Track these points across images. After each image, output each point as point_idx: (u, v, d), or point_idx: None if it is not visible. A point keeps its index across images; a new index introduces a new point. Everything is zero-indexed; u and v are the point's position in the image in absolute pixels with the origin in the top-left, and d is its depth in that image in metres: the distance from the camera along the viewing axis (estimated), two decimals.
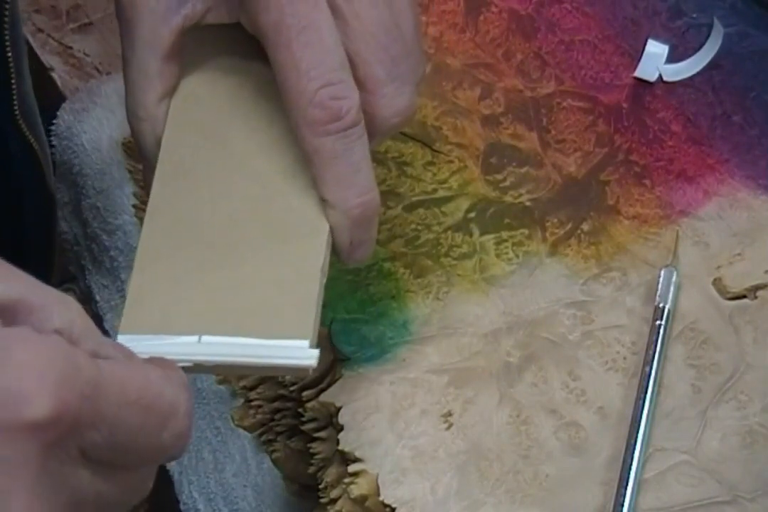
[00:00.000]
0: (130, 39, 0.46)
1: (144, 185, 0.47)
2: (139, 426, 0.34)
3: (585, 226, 0.56)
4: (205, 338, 0.42)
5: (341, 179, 0.44)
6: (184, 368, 0.39)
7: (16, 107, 0.64)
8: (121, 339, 0.41)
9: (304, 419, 0.51)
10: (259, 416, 0.54)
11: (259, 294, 0.43)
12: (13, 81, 0.63)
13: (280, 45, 0.43)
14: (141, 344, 0.41)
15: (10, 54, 0.62)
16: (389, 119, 0.45)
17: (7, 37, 0.62)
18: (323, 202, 0.44)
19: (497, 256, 0.55)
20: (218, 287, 0.43)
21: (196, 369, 0.41)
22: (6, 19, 0.62)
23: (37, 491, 0.31)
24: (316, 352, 0.42)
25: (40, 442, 0.31)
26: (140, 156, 0.48)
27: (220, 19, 0.46)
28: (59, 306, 0.34)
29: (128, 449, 0.34)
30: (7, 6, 0.62)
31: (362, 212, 0.45)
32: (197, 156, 0.46)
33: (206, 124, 0.47)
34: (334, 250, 0.46)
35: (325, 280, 0.44)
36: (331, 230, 0.45)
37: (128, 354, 0.36)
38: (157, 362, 0.37)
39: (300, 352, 0.42)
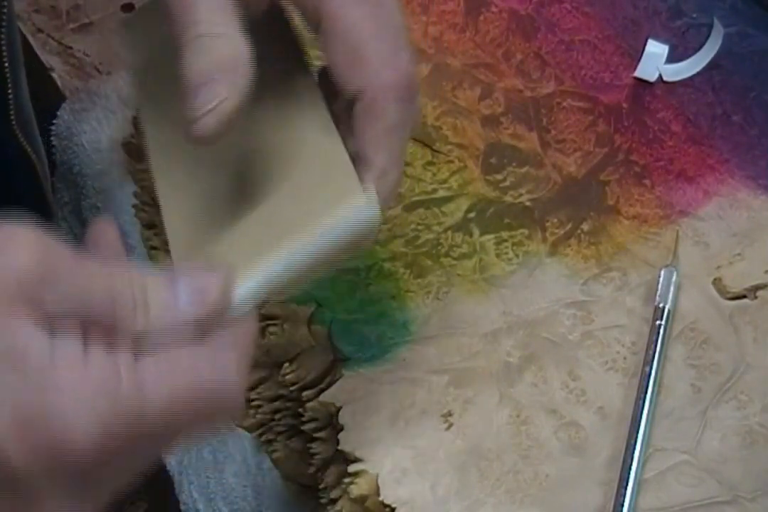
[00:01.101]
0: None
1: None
2: (186, 424, 0.35)
3: (585, 226, 0.56)
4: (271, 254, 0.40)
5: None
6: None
7: (12, 117, 0.64)
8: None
9: (304, 419, 0.51)
10: (259, 416, 0.54)
11: (298, 196, 0.42)
12: (9, 92, 0.63)
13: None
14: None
15: (7, 66, 0.62)
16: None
17: (4, 51, 0.62)
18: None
19: (497, 255, 0.55)
20: (252, 218, 0.42)
21: (280, 288, 0.40)
22: (2, 34, 0.62)
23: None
24: (373, 196, 0.40)
25: (79, 477, 0.33)
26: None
27: None
28: (99, 294, 0.34)
29: (170, 438, 0.36)
30: (4, 17, 0.61)
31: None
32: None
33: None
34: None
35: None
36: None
37: (166, 323, 0.36)
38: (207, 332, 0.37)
39: (358, 201, 0.40)
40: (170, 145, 0.45)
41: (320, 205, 0.41)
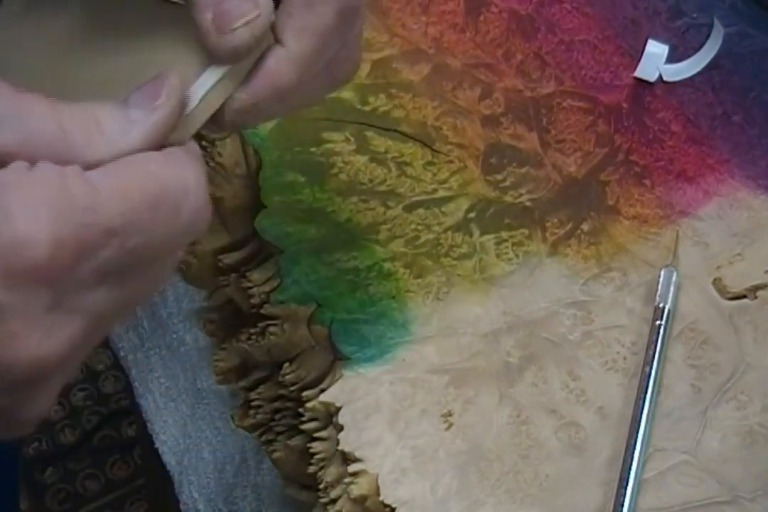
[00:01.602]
0: None
1: None
2: (150, 223, 0.34)
3: (585, 226, 0.56)
4: None
5: None
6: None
7: None
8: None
9: (304, 419, 0.51)
10: (259, 416, 0.54)
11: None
12: None
13: None
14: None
15: None
16: None
17: None
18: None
19: (497, 255, 0.55)
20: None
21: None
22: None
23: (48, 330, 0.32)
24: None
25: (46, 282, 0.32)
26: None
27: None
28: (47, 125, 0.33)
29: (145, 249, 0.34)
30: None
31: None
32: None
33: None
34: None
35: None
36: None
37: (121, 148, 0.35)
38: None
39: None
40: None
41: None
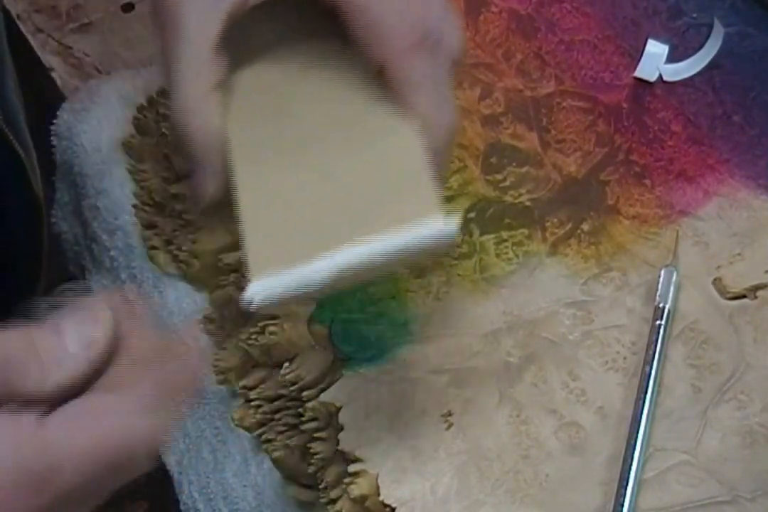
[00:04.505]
0: (176, 29, 0.44)
1: (191, 183, 0.46)
2: (93, 481, 0.34)
3: (585, 226, 0.56)
4: (339, 251, 0.40)
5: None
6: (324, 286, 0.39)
7: None
8: (256, 286, 0.40)
9: (304, 419, 0.51)
10: (259, 416, 0.54)
11: (371, 196, 0.42)
12: None
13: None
14: (279, 283, 0.40)
15: None
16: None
17: None
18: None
19: (497, 255, 0.55)
20: (326, 203, 0.43)
21: (339, 283, 0.40)
22: None
23: None
24: (453, 220, 0.40)
25: None
26: (186, 152, 0.47)
27: None
28: (21, 367, 0.34)
29: (79, 495, 0.34)
30: None
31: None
32: (268, 131, 0.46)
33: (268, 104, 0.47)
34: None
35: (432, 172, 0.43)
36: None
37: (55, 380, 0.35)
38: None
39: (437, 222, 0.40)
40: (256, 150, 0.46)
41: (396, 214, 0.41)
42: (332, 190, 0.43)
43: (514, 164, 0.58)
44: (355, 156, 0.44)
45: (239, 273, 0.56)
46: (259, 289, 0.40)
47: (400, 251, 0.41)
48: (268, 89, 0.47)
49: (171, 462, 0.59)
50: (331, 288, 0.41)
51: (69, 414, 0.34)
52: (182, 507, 0.58)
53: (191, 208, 0.48)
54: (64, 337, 0.35)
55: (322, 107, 0.46)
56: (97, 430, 0.34)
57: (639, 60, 0.61)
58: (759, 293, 0.54)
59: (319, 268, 0.40)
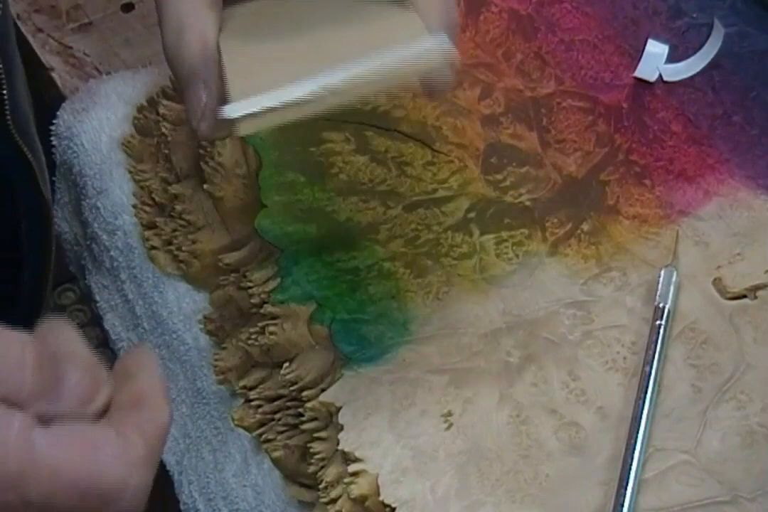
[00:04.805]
0: None
1: (186, 99, 0.45)
2: (73, 510, 0.33)
3: (585, 226, 0.56)
4: (323, 71, 0.41)
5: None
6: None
7: (8, 118, 0.64)
8: (237, 102, 0.41)
9: (304, 419, 0.52)
10: (259, 416, 0.54)
11: (361, 37, 0.43)
12: (5, 92, 0.63)
13: None
14: (260, 98, 0.40)
15: (1, 66, 0.62)
16: None
17: None
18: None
19: (497, 255, 0.55)
20: (312, 43, 0.43)
21: (325, 101, 0.41)
22: None
23: None
24: (446, 38, 0.41)
25: None
26: (179, 70, 0.46)
27: None
28: (11, 371, 0.33)
29: None
30: None
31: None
32: (261, 25, 0.46)
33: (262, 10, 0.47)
34: None
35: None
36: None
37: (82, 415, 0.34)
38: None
39: (428, 40, 0.41)
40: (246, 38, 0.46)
41: (386, 38, 0.42)
42: (321, 37, 0.44)
43: (514, 164, 0.58)
44: (348, 27, 0.44)
45: (239, 273, 0.56)
46: (240, 105, 0.41)
47: (385, 66, 0.41)
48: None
49: (171, 462, 0.59)
50: (317, 106, 0.41)
51: (59, 432, 0.33)
52: (182, 507, 0.58)
53: (193, 123, 0.47)
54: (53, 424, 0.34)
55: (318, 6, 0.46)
56: (87, 453, 0.33)
57: (639, 60, 0.61)
58: (759, 293, 0.54)
59: (302, 85, 0.41)
